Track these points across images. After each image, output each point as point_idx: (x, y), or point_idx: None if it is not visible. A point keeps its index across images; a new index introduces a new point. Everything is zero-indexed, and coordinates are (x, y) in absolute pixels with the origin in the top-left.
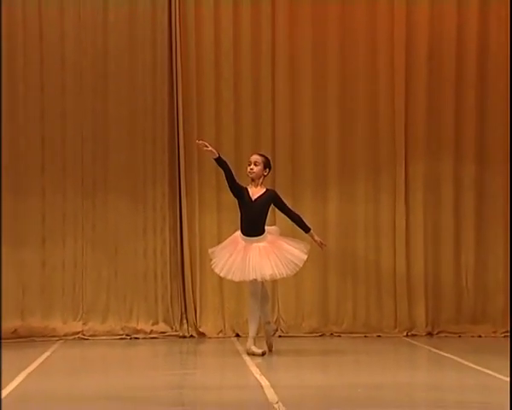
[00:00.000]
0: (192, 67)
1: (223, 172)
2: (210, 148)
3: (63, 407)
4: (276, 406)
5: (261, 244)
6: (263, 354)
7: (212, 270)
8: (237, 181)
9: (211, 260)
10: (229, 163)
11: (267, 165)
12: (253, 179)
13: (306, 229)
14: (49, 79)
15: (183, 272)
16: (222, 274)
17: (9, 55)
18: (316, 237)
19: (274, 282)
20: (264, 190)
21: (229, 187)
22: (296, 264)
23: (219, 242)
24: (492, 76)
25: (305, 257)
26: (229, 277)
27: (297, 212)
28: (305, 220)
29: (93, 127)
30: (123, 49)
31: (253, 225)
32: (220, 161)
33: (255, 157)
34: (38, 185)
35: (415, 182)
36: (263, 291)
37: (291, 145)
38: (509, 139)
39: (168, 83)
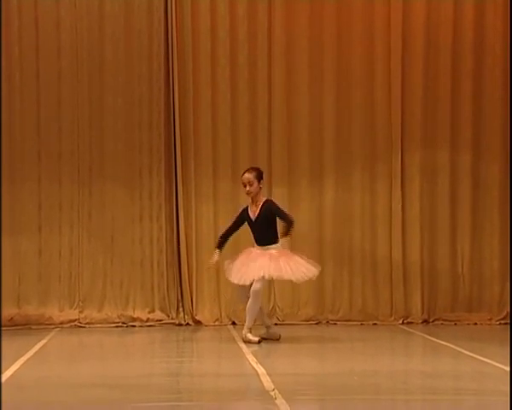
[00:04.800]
0: (188, 56)
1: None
2: (216, 258)
3: (60, 395)
4: (272, 393)
5: (274, 251)
6: (259, 341)
7: (208, 257)
8: (234, 224)
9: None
10: (222, 236)
11: (260, 177)
12: (252, 198)
13: (285, 234)
14: (45, 68)
15: (180, 260)
16: (235, 281)
17: (5, 43)
18: (283, 244)
19: None
20: (261, 204)
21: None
22: (304, 273)
23: (215, 230)
24: (489, 65)
25: (315, 272)
26: (241, 282)
27: (291, 217)
28: (291, 229)
29: (89, 116)
30: (119, 37)
31: (260, 239)
32: (223, 244)
33: (247, 177)
34: (35, 173)
35: (411, 171)
36: (264, 317)
37: (287, 134)
38: (508, 129)
39: (164, 72)
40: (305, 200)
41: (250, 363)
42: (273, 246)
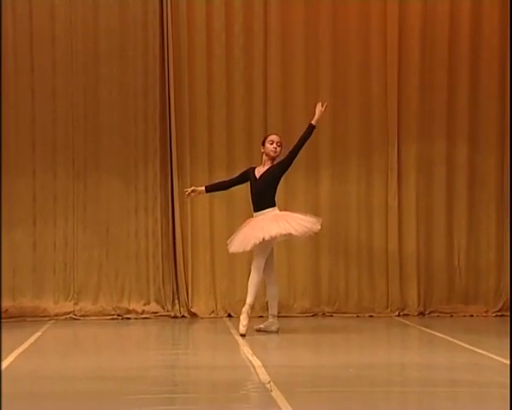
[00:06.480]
0: (184, 48)
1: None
2: (197, 191)
3: (54, 387)
4: (267, 386)
5: (271, 214)
6: (242, 335)
7: (204, 250)
8: (234, 178)
9: (227, 244)
10: (218, 183)
11: (282, 147)
12: (273, 158)
13: (310, 127)
14: (39, 59)
15: (175, 252)
16: (235, 250)
17: None
18: (317, 111)
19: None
20: (269, 166)
21: (234, 186)
22: (306, 227)
23: (211, 222)
24: (485, 57)
25: (317, 227)
26: (241, 249)
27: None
28: (305, 133)
29: (84, 107)
30: (114, 28)
31: (258, 201)
32: (212, 189)
33: (278, 138)
34: (29, 165)
35: (407, 163)
36: (273, 289)
37: (284, 126)
38: (507, 122)
39: (160, 62)
40: (300, 192)
41: (246, 355)
42: (270, 209)
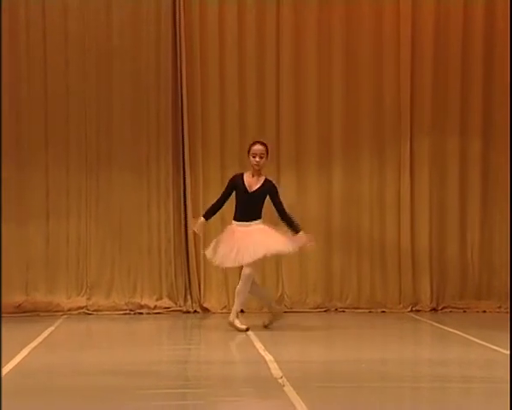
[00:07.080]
0: (196, 43)
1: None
2: (196, 226)
3: (67, 381)
4: (280, 381)
5: (260, 226)
6: (247, 330)
7: None
8: (225, 194)
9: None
10: (212, 206)
11: (268, 153)
12: (258, 170)
13: (297, 231)
14: (52, 55)
15: (187, 247)
16: (229, 265)
17: (12, 31)
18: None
19: (278, 258)
20: (263, 180)
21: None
22: (294, 243)
23: (222, 218)
24: (499, 51)
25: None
26: (236, 264)
27: (290, 214)
28: (295, 222)
29: (97, 103)
30: (126, 23)
31: (247, 211)
32: (210, 215)
33: (260, 148)
34: (42, 161)
35: (420, 157)
36: (261, 290)
37: (296, 121)
38: None
39: (172, 58)
40: (313, 187)
41: (258, 350)
42: (256, 222)
